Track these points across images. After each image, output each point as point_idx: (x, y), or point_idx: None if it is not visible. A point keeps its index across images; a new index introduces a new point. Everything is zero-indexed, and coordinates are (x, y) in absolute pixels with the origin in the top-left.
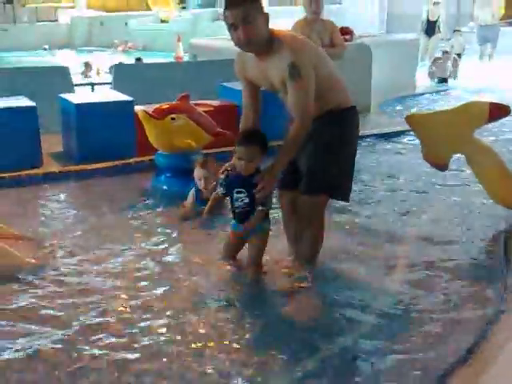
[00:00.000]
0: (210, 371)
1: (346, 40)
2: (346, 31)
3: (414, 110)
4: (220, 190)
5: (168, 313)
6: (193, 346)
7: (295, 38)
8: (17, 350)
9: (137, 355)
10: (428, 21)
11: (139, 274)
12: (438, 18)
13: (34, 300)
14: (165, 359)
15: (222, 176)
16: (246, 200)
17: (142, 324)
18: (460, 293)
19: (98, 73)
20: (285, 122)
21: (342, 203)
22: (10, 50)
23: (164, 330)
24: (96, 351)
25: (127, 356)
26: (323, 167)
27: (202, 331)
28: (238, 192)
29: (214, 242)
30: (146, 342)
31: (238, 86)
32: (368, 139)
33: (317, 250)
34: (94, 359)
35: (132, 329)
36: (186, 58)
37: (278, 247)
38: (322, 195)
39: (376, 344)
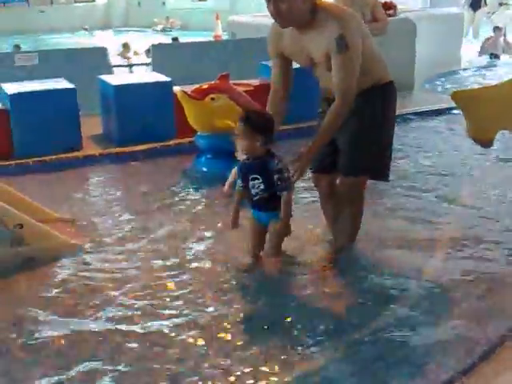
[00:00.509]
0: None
1: (389, 15)
2: (388, 5)
3: (458, 87)
4: (239, 184)
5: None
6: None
7: (343, 10)
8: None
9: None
10: None
11: (178, 254)
12: None
13: (74, 278)
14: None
15: (236, 168)
16: (262, 186)
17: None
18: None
19: (135, 53)
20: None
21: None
22: (47, 32)
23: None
24: (137, 329)
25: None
26: (366, 147)
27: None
28: (253, 179)
29: None
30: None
31: None
32: (412, 117)
33: (357, 229)
34: (132, 335)
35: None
36: (224, 36)
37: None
38: (362, 176)
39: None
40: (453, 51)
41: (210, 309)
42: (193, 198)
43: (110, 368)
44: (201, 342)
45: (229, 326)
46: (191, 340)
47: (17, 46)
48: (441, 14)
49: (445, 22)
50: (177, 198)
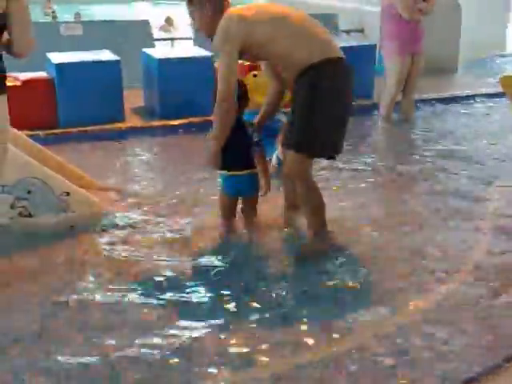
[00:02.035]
0: None
1: None
2: None
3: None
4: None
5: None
6: None
7: (227, 15)
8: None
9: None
10: None
11: (210, 233)
12: None
13: (111, 246)
14: None
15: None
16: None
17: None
18: None
19: (171, 27)
20: None
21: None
22: (89, 3)
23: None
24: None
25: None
26: (299, 124)
27: None
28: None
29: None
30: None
31: None
32: (452, 101)
33: (313, 214)
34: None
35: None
36: None
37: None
38: (297, 151)
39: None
40: (499, 33)
41: None
42: None
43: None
44: None
45: None
46: None
47: (77, 14)
48: None
49: (491, 2)
50: (213, 174)
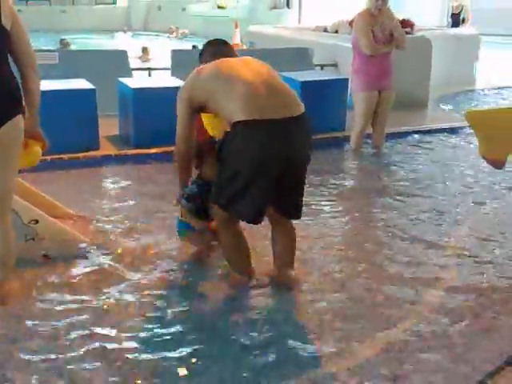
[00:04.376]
0: None
1: (407, 33)
2: (406, 24)
3: (472, 106)
4: None
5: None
6: None
7: (191, 76)
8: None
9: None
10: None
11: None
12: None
13: (86, 273)
14: None
15: None
16: None
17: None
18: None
19: (148, 56)
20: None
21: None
22: (68, 32)
23: None
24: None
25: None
26: (216, 180)
27: None
28: None
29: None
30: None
31: (295, 75)
32: (427, 134)
33: (230, 260)
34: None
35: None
36: (243, 45)
37: None
38: (214, 203)
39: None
40: (468, 71)
41: None
42: None
43: None
44: None
45: None
46: None
47: (62, 41)
48: (457, 34)
49: (461, 41)
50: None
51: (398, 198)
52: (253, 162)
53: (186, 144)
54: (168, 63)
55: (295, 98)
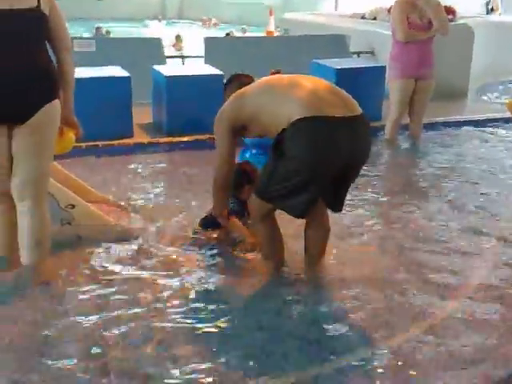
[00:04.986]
0: None
1: (449, 20)
2: (448, 10)
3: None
4: None
5: None
6: None
7: (231, 99)
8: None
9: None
10: None
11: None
12: None
13: (121, 257)
14: None
15: None
16: None
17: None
18: None
19: (181, 44)
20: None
21: None
22: (103, 20)
23: None
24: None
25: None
26: (262, 172)
27: None
28: None
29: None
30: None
31: (330, 63)
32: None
33: (265, 250)
34: None
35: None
36: (277, 32)
37: None
38: (257, 197)
39: None
40: (510, 60)
41: None
42: None
43: None
44: None
45: None
46: None
47: (98, 29)
48: (499, 22)
49: (503, 29)
50: None
51: (431, 190)
52: (315, 160)
53: (228, 165)
54: (201, 51)
55: (353, 100)
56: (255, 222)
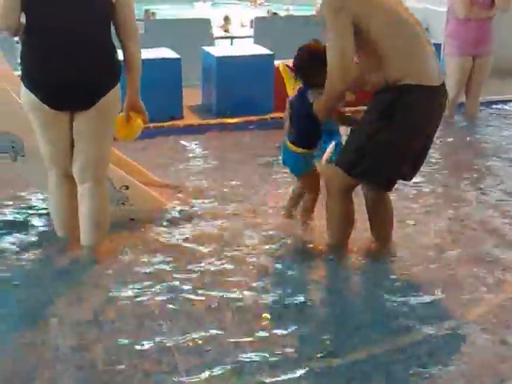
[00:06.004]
0: None
1: None
2: None
3: None
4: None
5: None
6: None
7: None
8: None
9: None
10: None
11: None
12: None
13: (175, 238)
14: None
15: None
16: None
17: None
18: None
19: (230, 25)
20: None
21: None
22: (150, 2)
23: None
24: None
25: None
26: (352, 141)
27: None
28: None
29: None
30: None
31: None
32: None
33: (336, 230)
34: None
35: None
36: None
37: None
38: (339, 169)
39: None
40: None
41: None
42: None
43: None
44: None
45: None
46: None
47: (147, 12)
48: None
49: None
50: (273, 169)
51: (486, 172)
52: (421, 132)
53: (350, 57)
54: (248, 31)
55: None
56: (331, 201)
